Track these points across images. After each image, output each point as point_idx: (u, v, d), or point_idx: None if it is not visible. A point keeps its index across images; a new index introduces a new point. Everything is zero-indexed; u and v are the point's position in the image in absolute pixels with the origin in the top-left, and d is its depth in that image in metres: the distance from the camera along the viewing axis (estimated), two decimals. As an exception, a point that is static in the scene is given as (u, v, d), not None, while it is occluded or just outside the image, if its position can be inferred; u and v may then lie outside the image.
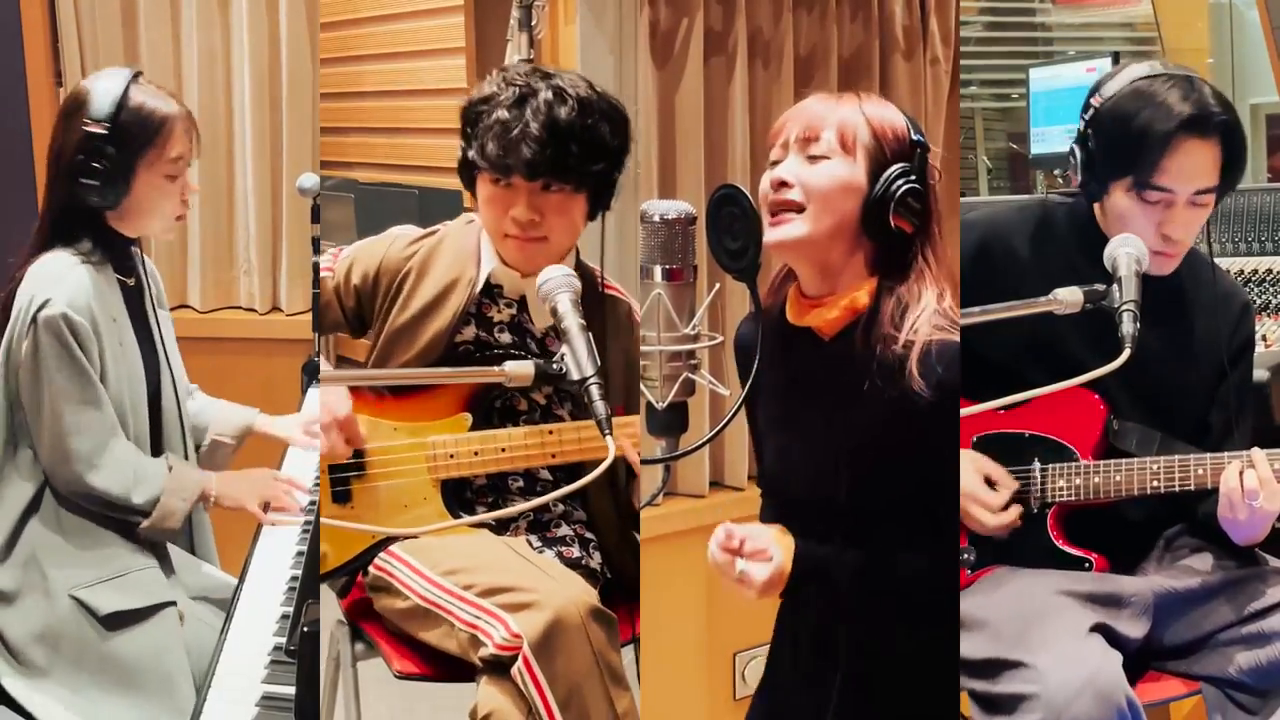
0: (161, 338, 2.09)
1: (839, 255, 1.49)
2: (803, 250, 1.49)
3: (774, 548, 1.49)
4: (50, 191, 1.97)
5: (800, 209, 1.47)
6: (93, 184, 1.90)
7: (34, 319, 1.87)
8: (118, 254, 2.00)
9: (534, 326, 1.96)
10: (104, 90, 1.92)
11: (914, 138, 1.49)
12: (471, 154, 1.86)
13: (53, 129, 1.98)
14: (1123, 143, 1.73)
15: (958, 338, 1.43)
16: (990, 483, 1.82)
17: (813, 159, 1.48)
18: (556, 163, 1.82)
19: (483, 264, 1.94)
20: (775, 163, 1.51)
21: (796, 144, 1.49)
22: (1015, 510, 1.82)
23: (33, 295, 1.88)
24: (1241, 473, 1.68)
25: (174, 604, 1.92)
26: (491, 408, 1.95)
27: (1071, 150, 1.81)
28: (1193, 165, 1.71)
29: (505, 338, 1.96)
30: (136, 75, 1.97)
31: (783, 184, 1.48)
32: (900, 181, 1.45)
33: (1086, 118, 1.78)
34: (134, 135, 1.91)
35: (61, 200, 1.95)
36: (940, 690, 1.52)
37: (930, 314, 1.43)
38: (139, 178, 1.93)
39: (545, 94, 1.82)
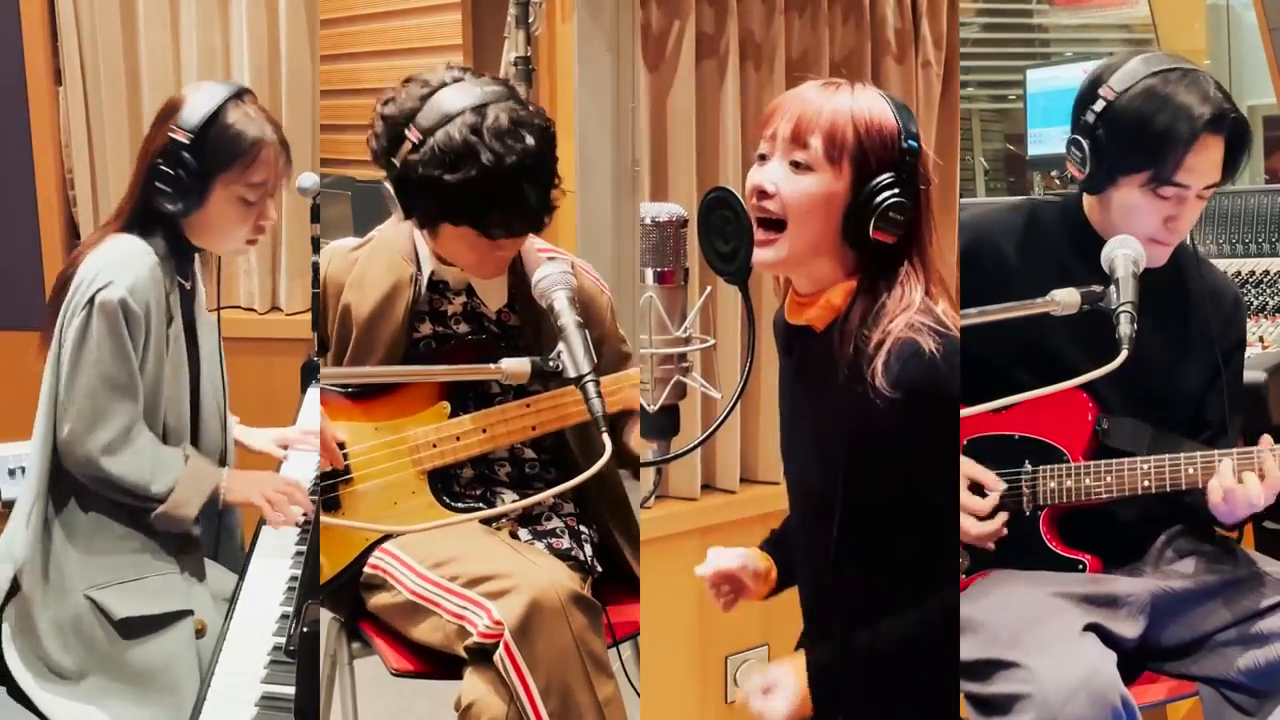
0: (206, 343, 2.10)
1: (823, 263, 1.47)
2: (784, 268, 1.49)
3: (784, 674, 1.50)
4: (134, 188, 1.98)
5: (779, 223, 1.44)
6: (166, 190, 1.91)
7: (91, 299, 1.87)
8: (182, 259, 2.02)
9: (487, 309, 1.97)
10: (199, 102, 1.93)
11: (903, 144, 1.44)
12: (456, 214, 1.81)
13: (150, 126, 2.00)
14: (1142, 141, 1.73)
15: (928, 342, 1.39)
16: (979, 489, 1.81)
17: (797, 166, 1.44)
18: (546, 210, 1.83)
19: (423, 265, 1.94)
20: (763, 156, 1.47)
21: (784, 145, 1.44)
22: (1001, 519, 1.81)
23: (96, 274, 1.88)
24: (1240, 474, 1.68)
25: (190, 613, 1.92)
26: (467, 395, 1.95)
27: (1074, 142, 1.79)
28: (1208, 162, 1.73)
29: (461, 327, 1.96)
30: (240, 94, 1.97)
31: (764, 193, 1.45)
32: (883, 195, 1.42)
33: (1096, 110, 1.76)
34: (217, 152, 1.92)
35: (139, 199, 1.96)
36: (940, 694, 1.52)
37: (912, 314, 1.41)
38: (214, 194, 1.94)
39: (529, 140, 1.76)
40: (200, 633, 1.93)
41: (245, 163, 1.94)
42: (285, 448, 2.33)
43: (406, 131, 1.78)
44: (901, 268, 1.45)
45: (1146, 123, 1.73)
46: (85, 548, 1.93)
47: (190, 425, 2.04)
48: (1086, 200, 1.84)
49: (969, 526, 1.79)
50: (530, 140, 1.76)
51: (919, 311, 1.42)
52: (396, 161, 1.79)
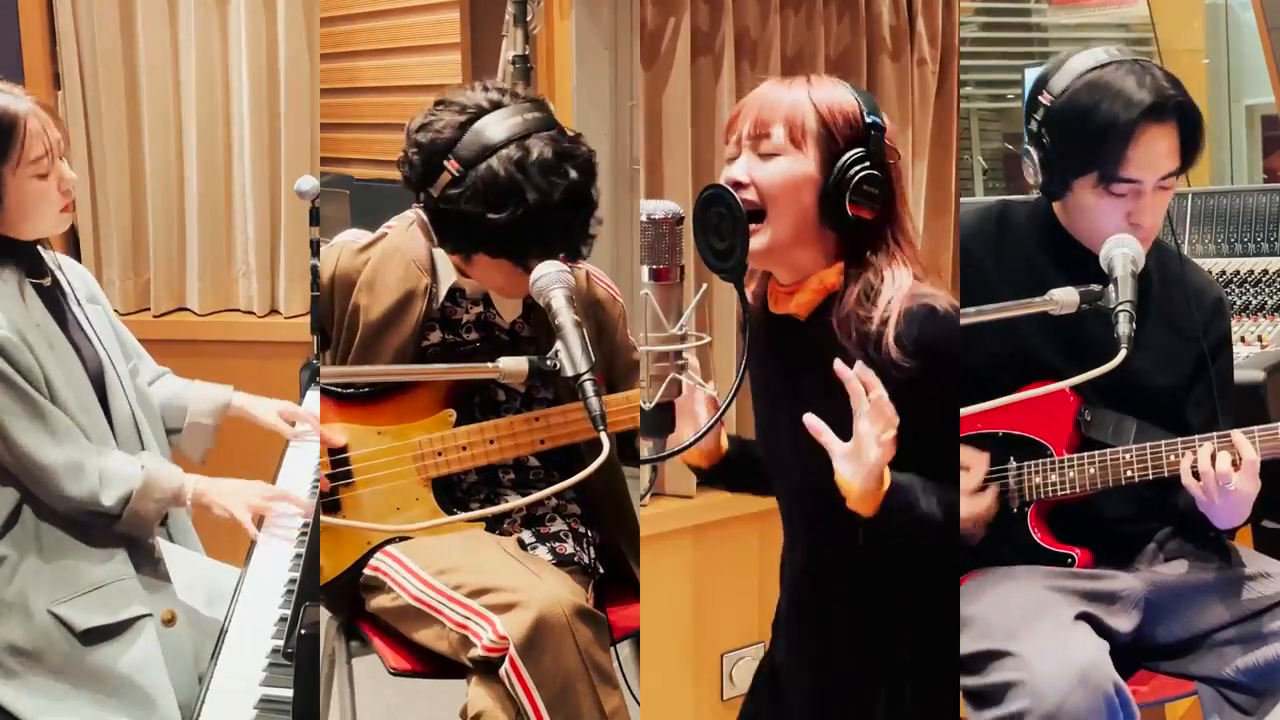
0: (96, 332, 2.05)
1: (805, 248, 1.49)
2: (769, 257, 1.50)
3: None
4: None
5: (759, 212, 1.46)
6: None
7: None
8: (23, 258, 1.97)
9: (501, 320, 1.96)
10: None
11: (867, 119, 1.46)
12: (495, 249, 1.79)
13: None
14: (1083, 139, 1.71)
15: (942, 304, 1.41)
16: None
17: (764, 156, 1.47)
18: (589, 239, 1.83)
19: (441, 276, 1.92)
20: (731, 159, 1.50)
21: (748, 140, 1.48)
22: (992, 493, 1.81)
23: None
24: (1214, 456, 1.67)
25: (149, 615, 1.91)
26: (473, 403, 1.94)
27: (1025, 151, 1.79)
28: (1156, 153, 1.71)
29: (472, 336, 1.95)
30: None
31: (738, 185, 1.47)
32: (855, 169, 1.44)
33: (1038, 117, 1.75)
34: None
35: None
36: (940, 682, 1.53)
37: (905, 293, 1.42)
38: (7, 184, 1.89)
39: (573, 175, 1.75)
40: (169, 622, 1.92)
41: (17, 143, 1.88)
42: (293, 424, 2.31)
43: (445, 163, 1.75)
44: (885, 249, 1.46)
45: (1084, 120, 1.71)
46: (44, 559, 1.91)
47: (105, 426, 2.00)
48: (1055, 205, 1.84)
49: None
50: (574, 174, 1.74)
51: (914, 286, 1.43)
52: (434, 192, 1.76)
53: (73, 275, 2.09)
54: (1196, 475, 1.68)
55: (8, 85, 1.92)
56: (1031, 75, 3.54)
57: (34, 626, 1.87)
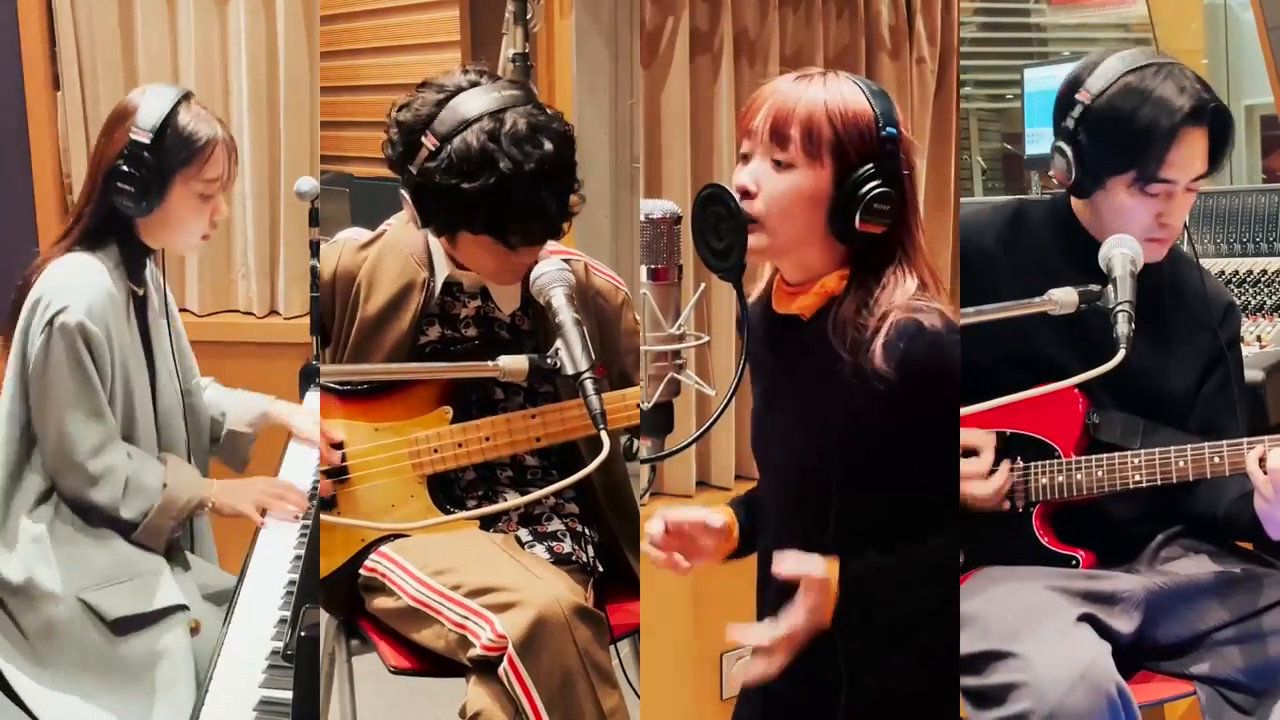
0: (170, 346, 2.14)
1: (811, 254, 1.47)
2: (769, 257, 1.49)
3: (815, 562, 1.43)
4: (88, 195, 2.03)
5: (759, 221, 1.44)
6: (128, 189, 1.96)
7: (50, 322, 1.91)
8: (136, 263, 2.06)
9: (500, 313, 1.96)
10: (153, 104, 2.00)
11: (882, 132, 1.43)
12: (474, 223, 1.79)
13: (98, 136, 2.05)
14: (1124, 139, 1.72)
15: (930, 319, 1.39)
16: (972, 452, 1.81)
17: (778, 164, 1.43)
18: (565, 217, 1.82)
19: (437, 269, 1.92)
20: (745, 156, 1.47)
21: (764, 142, 1.44)
22: (1005, 470, 1.80)
23: (52, 297, 1.93)
24: (1263, 458, 1.64)
25: (186, 608, 1.94)
26: (469, 400, 1.94)
27: (1057, 148, 1.80)
28: (1192, 155, 1.73)
29: (471, 331, 1.95)
30: (187, 96, 2.04)
31: (746, 193, 1.44)
32: (867, 187, 1.41)
33: (1075, 115, 1.76)
34: (175, 149, 1.99)
35: (98, 205, 2.00)
36: (940, 688, 1.52)
37: (901, 303, 1.41)
38: (174, 191, 2.00)
39: (547, 146, 1.74)
40: (194, 631, 1.94)
41: (201, 160, 2.00)
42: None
43: (423, 139, 1.76)
44: (893, 258, 1.44)
45: (1126, 121, 1.72)
46: (78, 545, 1.95)
47: (154, 433, 2.07)
48: (1076, 202, 1.84)
49: (973, 490, 1.78)
50: (549, 146, 1.74)
51: (915, 297, 1.42)
52: (413, 169, 1.77)
53: (161, 289, 2.17)
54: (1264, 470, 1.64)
55: (208, 114, 2.05)
56: (1031, 75, 3.58)
57: (62, 613, 1.89)
